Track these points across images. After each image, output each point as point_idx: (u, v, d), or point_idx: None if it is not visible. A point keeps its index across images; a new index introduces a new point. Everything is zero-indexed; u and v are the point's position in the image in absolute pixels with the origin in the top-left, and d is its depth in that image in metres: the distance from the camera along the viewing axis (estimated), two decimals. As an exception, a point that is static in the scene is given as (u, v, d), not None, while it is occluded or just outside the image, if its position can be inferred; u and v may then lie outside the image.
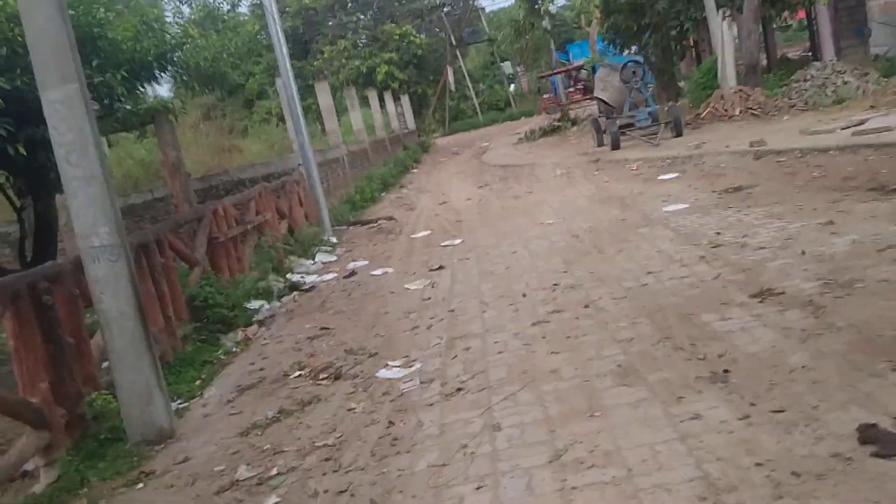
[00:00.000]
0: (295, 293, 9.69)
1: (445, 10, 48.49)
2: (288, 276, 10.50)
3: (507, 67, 49.94)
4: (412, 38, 42.55)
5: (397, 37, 42.02)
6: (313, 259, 11.61)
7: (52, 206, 9.99)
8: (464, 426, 4.42)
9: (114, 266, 5.28)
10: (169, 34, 9.17)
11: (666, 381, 4.43)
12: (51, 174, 8.03)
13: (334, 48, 42.40)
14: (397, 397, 5.17)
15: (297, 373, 6.28)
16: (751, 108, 17.09)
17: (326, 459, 4.43)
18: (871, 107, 13.78)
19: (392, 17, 45.33)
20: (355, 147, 21.25)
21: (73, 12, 6.84)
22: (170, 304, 7.52)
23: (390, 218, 14.65)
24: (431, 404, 4.91)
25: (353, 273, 10.13)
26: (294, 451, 4.67)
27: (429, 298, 7.81)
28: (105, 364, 5.98)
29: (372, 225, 14.35)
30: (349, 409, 5.14)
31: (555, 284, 7.14)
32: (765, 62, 23.89)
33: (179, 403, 6.15)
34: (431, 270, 9.13)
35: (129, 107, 9.72)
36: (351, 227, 14.54)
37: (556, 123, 26.10)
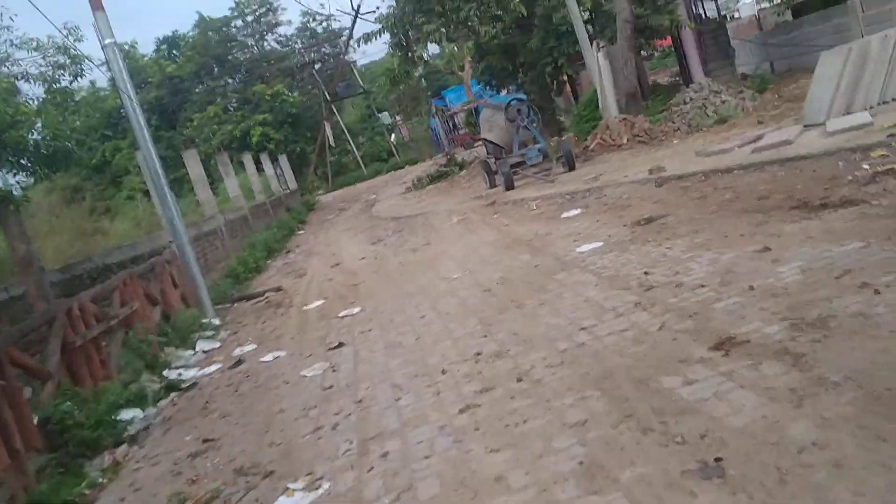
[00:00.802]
0: (173, 394, 8.29)
1: (317, 66, 47.68)
2: (165, 372, 9.07)
3: (385, 118, 49.47)
4: (284, 97, 41.39)
5: (269, 97, 40.74)
6: (193, 349, 10.20)
7: None
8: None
9: None
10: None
11: (644, 479, 3.47)
12: None
13: (204, 115, 40.66)
14: (303, 540, 4.00)
15: (175, 511, 4.98)
16: (637, 136, 16.90)
17: None
18: (759, 122, 13.70)
19: (262, 77, 44.09)
20: (233, 215, 19.82)
21: None
22: (16, 434, 6.06)
23: (278, 288, 13.37)
24: (348, 547, 3.76)
25: (239, 362, 8.82)
26: None
27: (330, 387, 6.64)
28: None
29: (258, 299, 13.02)
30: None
31: (476, 354, 6.13)
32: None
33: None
34: (330, 349, 7.96)
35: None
36: (235, 304, 13.15)
37: (443, 169, 25.48)
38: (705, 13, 24.53)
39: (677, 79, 27.98)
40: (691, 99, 18.31)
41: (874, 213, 6.48)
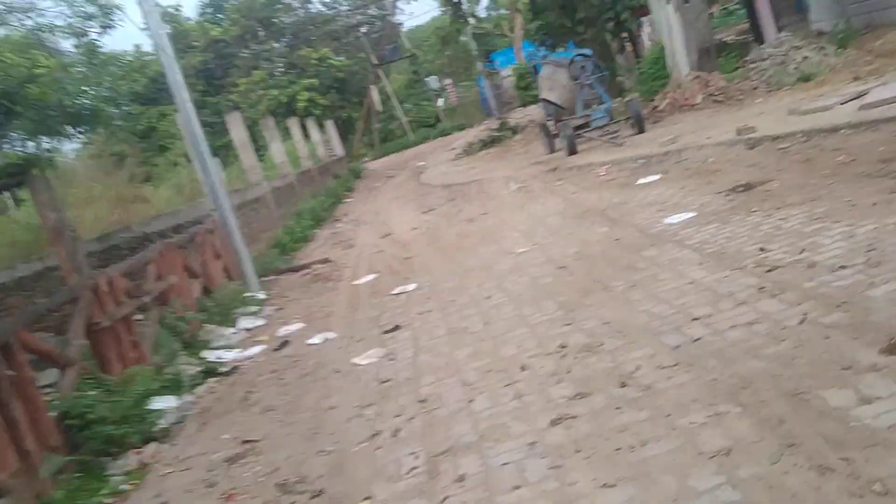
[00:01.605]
0: (211, 380, 7.48)
1: (363, 29, 46.51)
2: (203, 354, 8.28)
3: (432, 82, 48.11)
4: (331, 61, 40.39)
5: (315, 61, 39.79)
6: (235, 326, 9.39)
7: None
8: None
9: None
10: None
11: (843, 551, 2.45)
12: None
13: (250, 80, 39.93)
14: None
15: (205, 539, 4.13)
16: (712, 95, 15.52)
17: None
18: (856, 78, 12.28)
19: (308, 41, 43.11)
20: (279, 182, 19.02)
21: None
22: (27, 433, 5.30)
23: (326, 260, 12.50)
24: None
25: (284, 343, 7.97)
26: None
27: (388, 380, 5.71)
28: None
29: (306, 271, 12.18)
30: None
31: (561, 346, 5.13)
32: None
33: None
34: (385, 332, 7.04)
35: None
36: (281, 277, 12.34)
37: (496, 133, 24.28)
38: (780, -36, 22.73)
39: (745, 37, 26.28)
40: (770, 55, 16.82)
41: None
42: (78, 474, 5.52)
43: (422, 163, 28.41)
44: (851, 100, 10.12)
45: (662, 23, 17.51)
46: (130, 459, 5.75)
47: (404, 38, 48.68)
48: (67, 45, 10.84)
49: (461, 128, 41.01)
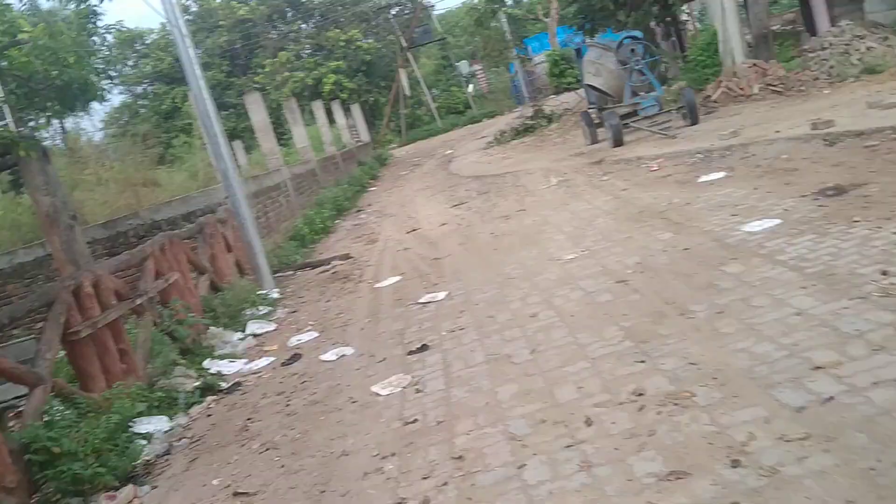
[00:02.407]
0: (210, 398, 6.48)
1: (394, 11, 45.32)
2: (206, 363, 7.29)
3: (463, 67, 46.78)
4: (359, 43, 39.29)
5: (343, 43, 38.76)
6: (244, 330, 8.39)
7: None
8: None
9: None
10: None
11: None
12: None
13: (276, 60, 38.97)
14: None
15: None
16: (771, 85, 14.24)
17: None
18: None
19: (336, 22, 42.03)
20: (301, 168, 18.00)
21: None
22: (-24, 470, 4.32)
23: (347, 256, 11.47)
24: None
25: (295, 356, 6.95)
26: None
27: (414, 421, 4.65)
28: None
29: (325, 267, 11.16)
30: None
31: (637, 393, 4.04)
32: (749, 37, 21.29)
33: None
34: (411, 353, 5.98)
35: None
36: (298, 273, 11.34)
37: (530, 121, 23.06)
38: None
39: (792, 26, 24.81)
40: (830, 44, 15.52)
41: None
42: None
43: (450, 151, 27.30)
44: (947, 92, 8.88)
45: (716, 6, 16.21)
46: (101, 505, 4.76)
47: (435, 21, 47.37)
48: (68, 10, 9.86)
49: (491, 115, 39.76)
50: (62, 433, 4.95)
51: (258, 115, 15.96)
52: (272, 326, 8.43)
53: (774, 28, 26.36)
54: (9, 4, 7.29)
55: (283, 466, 4.62)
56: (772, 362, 3.91)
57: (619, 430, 3.71)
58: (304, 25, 43.81)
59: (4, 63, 6.20)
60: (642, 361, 4.42)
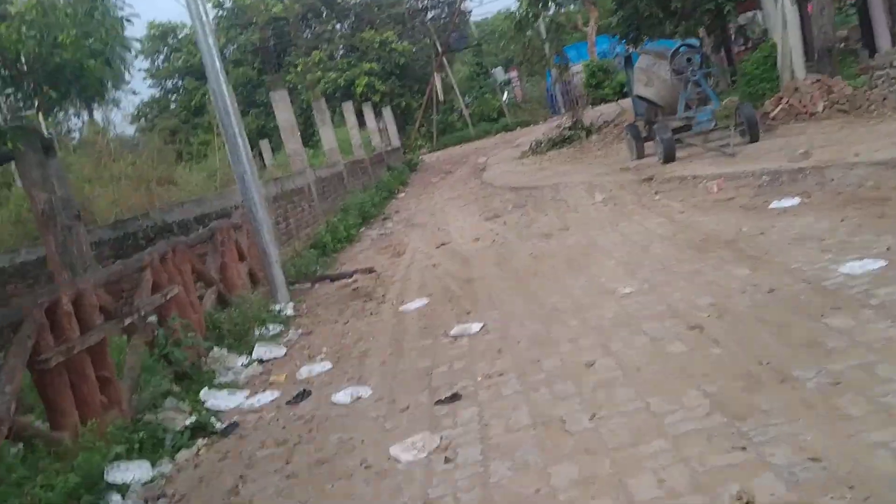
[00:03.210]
0: (201, 442, 5.54)
1: (430, 14, 44.49)
2: (202, 394, 6.37)
3: (498, 74, 45.79)
4: (394, 45, 38.50)
5: (377, 45, 38.00)
6: (250, 354, 7.46)
7: None
8: None
9: None
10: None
11: None
12: None
13: (309, 60, 38.30)
14: None
15: None
16: (837, 103, 13.11)
17: None
18: None
19: (371, 23, 41.29)
20: (326, 171, 17.12)
21: None
22: None
23: (370, 270, 10.53)
24: None
25: (303, 394, 6.00)
26: None
27: None
28: None
29: (346, 281, 10.23)
30: None
31: (742, 500, 3.02)
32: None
33: None
34: (439, 402, 5.00)
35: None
36: (316, 285, 10.43)
37: (568, 132, 22.03)
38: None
39: (845, 43, 23.56)
40: (900, 62, 14.36)
41: None
42: None
43: (483, 158, 26.36)
44: None
45: (777, 17, 15.11)
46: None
47: (472, 27, 46.48)
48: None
49: (525, 124, 38.76)
50: (10, 492, 4.05)
51: (284, 113, 15.14)
52: (282, 351, 7.50)
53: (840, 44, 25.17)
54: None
55: (274, 553, 3.67)
56: (933, 472, 2.88)
57: (726, 560, 2.70)
58: (338, 25, 43.13)
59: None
60: (742, 448, 3.41)
